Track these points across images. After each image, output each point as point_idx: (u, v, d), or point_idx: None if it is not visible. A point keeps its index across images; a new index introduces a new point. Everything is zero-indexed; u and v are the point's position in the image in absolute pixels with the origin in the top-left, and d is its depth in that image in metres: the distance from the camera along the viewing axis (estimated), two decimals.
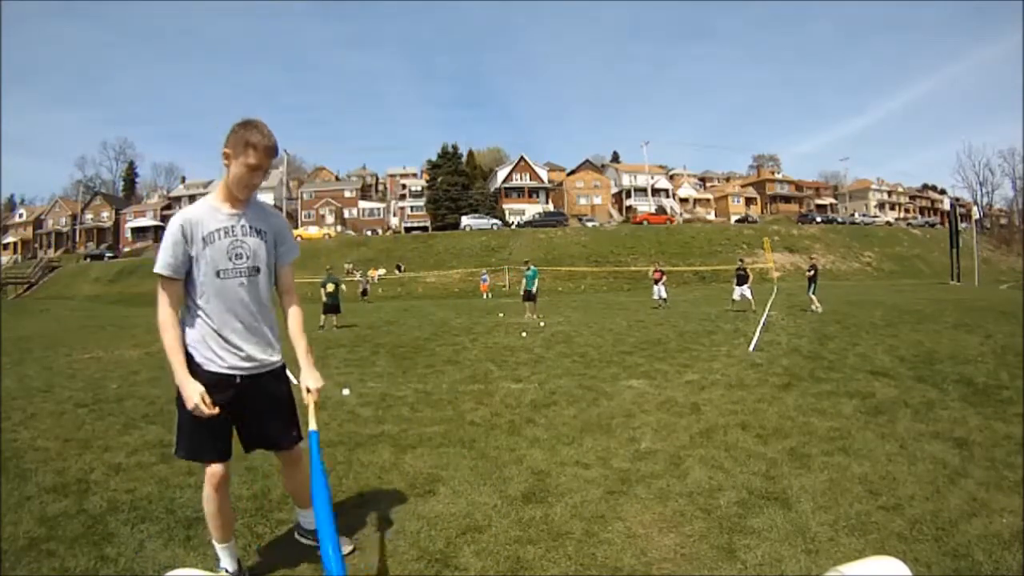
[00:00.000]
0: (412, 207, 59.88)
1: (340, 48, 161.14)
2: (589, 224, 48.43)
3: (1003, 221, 65.23)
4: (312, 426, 2.15)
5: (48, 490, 3.21)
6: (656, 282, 17.06)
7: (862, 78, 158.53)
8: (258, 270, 2.17)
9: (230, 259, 2.09)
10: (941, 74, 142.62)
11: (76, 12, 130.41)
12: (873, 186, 73.92)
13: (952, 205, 38.05)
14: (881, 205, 72.45)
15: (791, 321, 11.32)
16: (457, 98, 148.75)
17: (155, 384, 6.47)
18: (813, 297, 13.58)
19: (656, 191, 62.56)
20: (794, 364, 6.47)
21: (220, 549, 2.21)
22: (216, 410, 1.99)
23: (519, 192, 59.59)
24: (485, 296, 26.96)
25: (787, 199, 69.49)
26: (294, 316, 2.31)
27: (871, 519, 2.58)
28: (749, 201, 66.98)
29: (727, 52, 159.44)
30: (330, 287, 13.21)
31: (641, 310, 15.53)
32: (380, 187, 75.61)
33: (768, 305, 14.73)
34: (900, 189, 76.78)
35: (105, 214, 65.74)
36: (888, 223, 56.83)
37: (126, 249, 59.09)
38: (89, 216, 65.59)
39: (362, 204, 63.75)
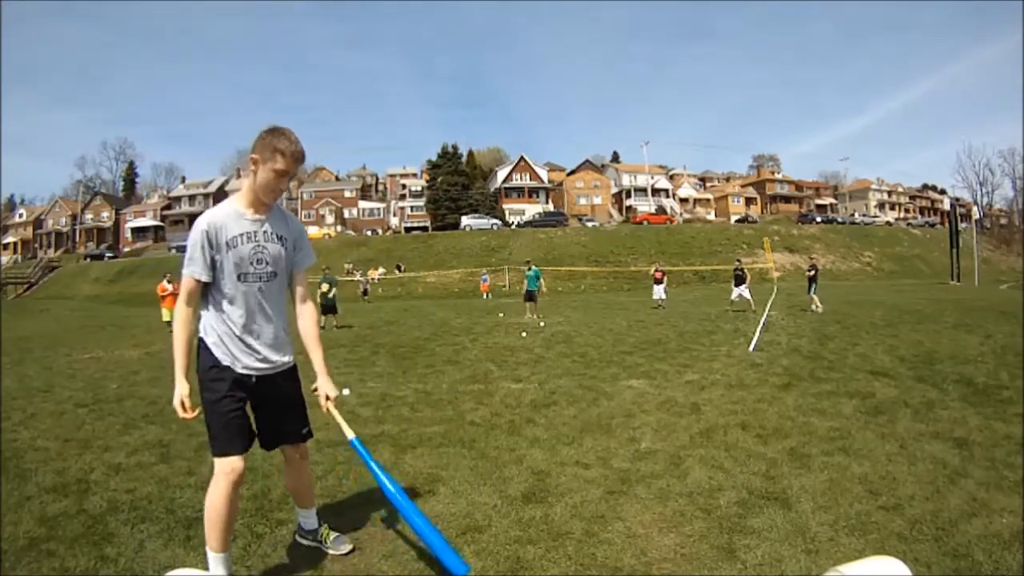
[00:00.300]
0: (412, 207, 59.90)
1: (340, 48, 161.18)
2: (589, 224, 48.44)
3: (1003, 221, 65.25)
4: (349, 434, 2.30)
5: (48, 490, 3.21)
6: (658, 282, 17.06)
7: (862, 78, 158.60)
8: (276, 275, 2.23)
9: (251, 264, 2.14)
10: (941, 74, 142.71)
11: (76, 12, 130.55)
12: (873, 186, 73.93)
13: (952, 205, 38.05)
14: (881, 205, 72.46)
15: (791, 321, 11.32)
16: (457, 98, 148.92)
17: (155, 384, 6.47)
18: (814, 297, 13.58)
19: (656, 191, 62.57)
20: (794, 364, 6.47)
21: (216, 559, 2.12)
22: (193, 413, 2.10)
23: (519, 192, 59.60)
24: (485, 296, 26.96)
25: (787, 199, 69.50)
26: (310, 322, 2.35)
27: (871, 519, 2.58)
28: (749, 201, 66.99)
29: (727, 52, 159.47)
30: (325, 287, 13.21)
31: (641, 310, 15.53)
32: (380, 187, 75.64)
33: (768, 305, 14.73)
34: (900, 189, 76.80)
35: (105, 214, 65.76)
36: (888, 223, 56.85)
37: (126, 249, 59.10)
38: (89, 216, 65.62)
39: (362, 204, 63.77)
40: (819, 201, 70.87)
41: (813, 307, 13.32)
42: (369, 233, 53.48)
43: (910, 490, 2.88)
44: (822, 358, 6.81)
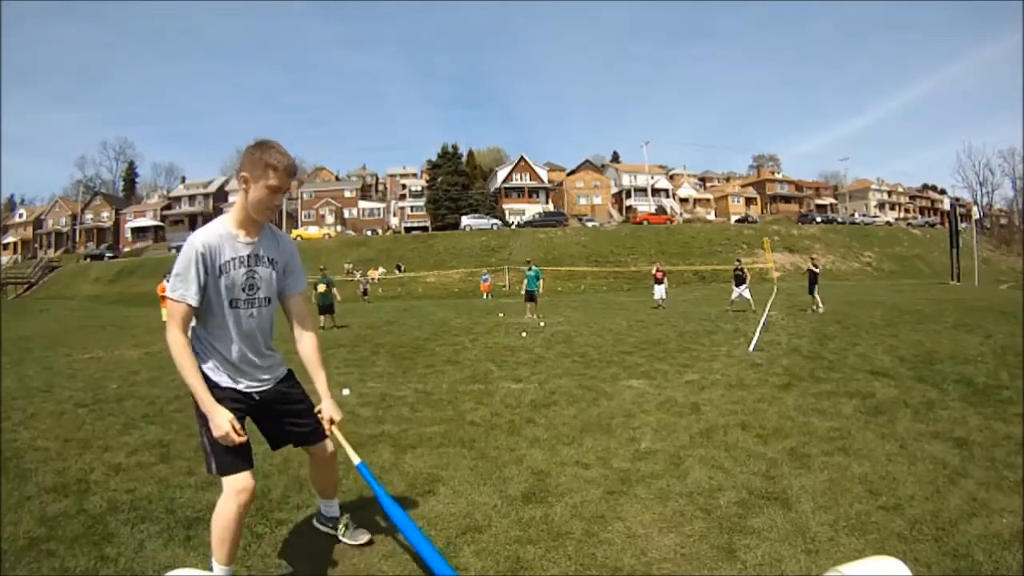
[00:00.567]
0: (412, 207, 59.89)
1: (340, 48, 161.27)
2: (589, 224, 48.43)
3: (1003, 221, 65.23)
4: (355, 459, 2.30)
5: (48, 490, 3.21)
6: (658, 282, 17.08)
7: (862, 78, 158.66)
8: (269, 300, 2.18)
9: (243, 290, 2.08)
10: (941, 74, 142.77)
11: (76, 12, 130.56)
12: (873, 186, 73.92)
13: (952, 205, 38.02)
14: (881, 205, 72.45)
15: (791, 321, 11.32)
16: (457, 98, 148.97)
17: (155, 384, 6.47)
18: (816, 297, 13.55)
19: (656, 191, 62.56)
20: (794, 364, 6.47)
21: (223, 570, 2.07)
22: (245, 437, 2.01)
23: (519, 192, 59.58)
24: (485, 296, 26.96)
25: (787, 199, 69.49)
26: (311, 347, 2.29)
27: (871, 519, 2.58)
28: (749, 201, 66.98)
29: (727, 52, 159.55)
30: (321, 288, 13.18)
31: (641, 310, 15.53)
32: (380, 187, 75.64)
33: (768, 305, 14.72)
34: (900, 189, 76.78)
35: (105, 214, 65.76)
36: (888, 223, 56.83)
37: (126, 249, 59.10)
38: (89, 216, 65.62)
39: (362, 204, 63.76)
40: (819, 201, 70.86)
41: (813, 307, 13.32)
42: (369, 233, 53.48)
43: (910, 490, 2.88)
44: (822, 358, 6.80)
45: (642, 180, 62.25)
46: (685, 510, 2.75)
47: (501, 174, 60.36)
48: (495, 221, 47.66)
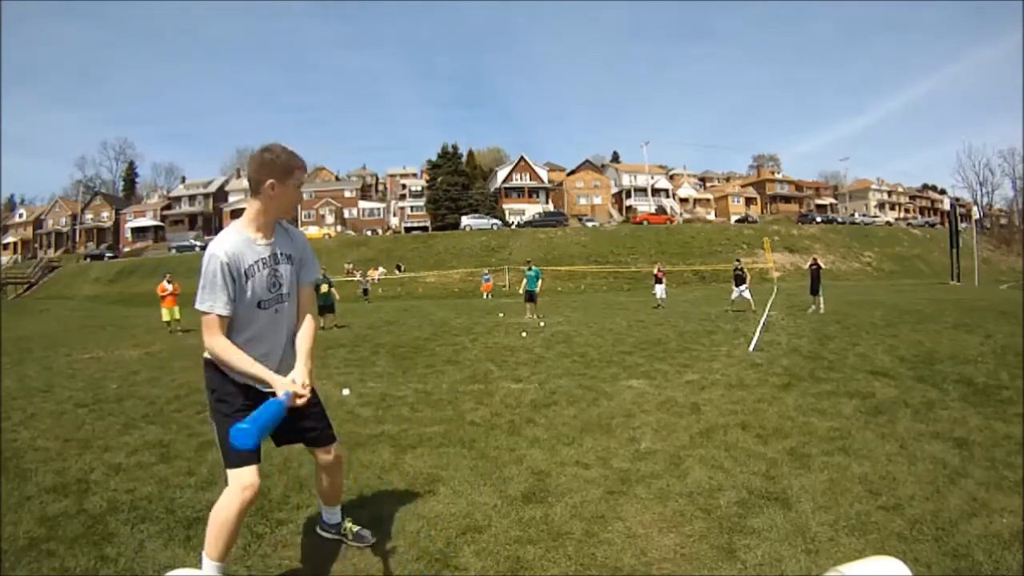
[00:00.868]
0: (412, 207, 59.87)
1: (340, 48, 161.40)
2: (589, 224, 48.43)
3: (1003, 221, 65.24)
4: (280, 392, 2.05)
5: (48, 490, 3.21)
6: (658, 281, 17.14)
7: (862, 78, 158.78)
8: (290, 295, 2.23)
9: (268, 289, 2.12)
10: (941, 74, 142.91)
11: (76, 12, 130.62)
12: (873, 186, 73.92)
13: (952, 205, 38.04)
14: (881, 205, 72.45)
15: (791, 321, 11.32)
16: (457, 98, 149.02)
17: (155, 384, 6.48)
18: (820, 297, 13.52)
19: (656, 191, 62.55)
20: (794, 364, 6.47)
21: (214, 567, 2.04)
22: (308, 391, 2.05)
23: (519, 192, 59.57)
24: (485, 296, 26.95)
25: (787, 199, 69.48)
26: (307, 334, 2.29)
27: (871, 519, 2.58)
28: (749, 201, 66.97)
29: (727, 52, 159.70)
30: (324, 288, 13.21)
31: (641, 310, 15.53)
32: (380, 187, 75.63)
33: (768, 305, 14.73)
34: (900, 189, 76.77)
35: (105, 214, 65.74)
36: (888, 223, 56.85)
37: (126, 249, 59.07)
38: (89, 216, 65.60)
39: (362, 204, 63.74)
40: (819, 201, 70.84)
41: (813, 307, 13.32)
42: (369, 233, 53.48)
43: (910, 490, 2.88)
44: (822, 358, 6.80)
45: (642, 180, 62.25)
46: (685, 510, 2.75)
47: (501, 174, 60.35)
48: (495, 221, 47.66)
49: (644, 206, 58.07)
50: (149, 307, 22.17)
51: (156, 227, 63.16)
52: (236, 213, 43.84)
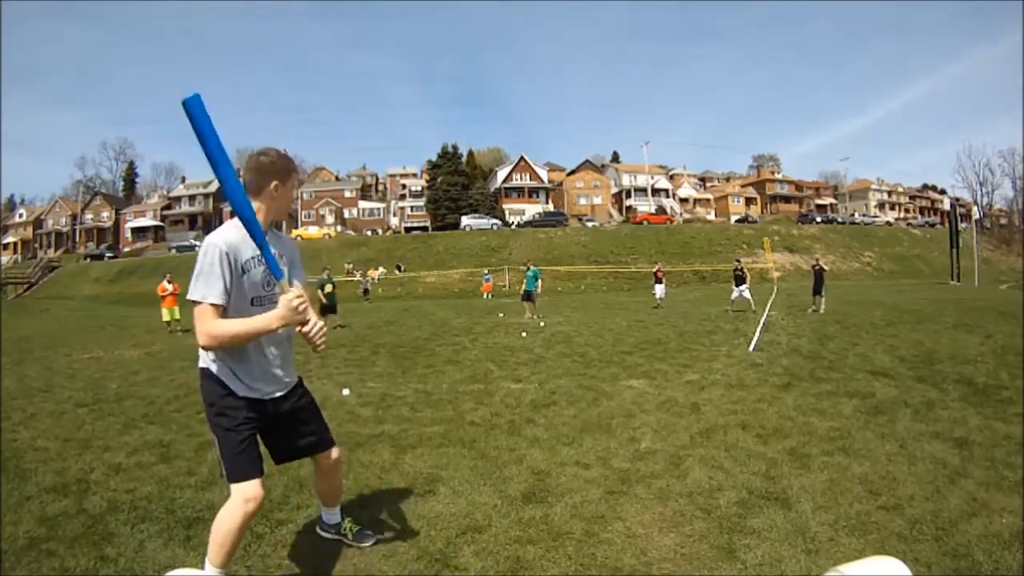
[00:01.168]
0: (412, 207, 59.87)
1: (340, 48, 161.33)
2: (589, 224, 48.43)
3: (1003, 221, 65.21)
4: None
5: (48, 490, 3.21)
6: (658, 281, 17.16)
7: (862, 78, 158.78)
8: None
9: (263, 287, 2.11)
10: (941, 74, 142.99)
11: (76, 12, 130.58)
12: (873, 186, 73.90)
13: (952, 205, 38.04)
14: (881, 205, 72.44)
15: (791, 321, 11.32)
16: (457, 98, 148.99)
17: (155, 384, 6.48)
18: (822, 298, 13.47)
19: (656, 191, 62.54)
20: (794, 364, 6.47)
21: (215, 571, 2.05)
22: (317, 321, 2.05)
23: (519, 192, 59.57)
24: (485, 296, 26.95)
25: (787, 199, 69.47)
26: None
27: (871, 519, 2.58)
28: (749, 201, 66.96)
29: (727, 52, 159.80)
30: (329, 288, 13.22)
31: (641, 310, 15.53)
32: (380, 187, 75.63)
33: (768, 305, 14.73)
34: (900, 189, 76.76)
35: (105, 214, 65.72)
36: (888, 223, 56.84)
37: (126, 249, 59.05)
38: (89, 216, 65.59)
39: (362, 204, 63.74)
40: (819, 201, 70.84)
41: (813, 307, 13.31)
42: (369, 233, 53.47)
43: (910, 490, 2.88)
44: (822, 358, 6.80)
45: (642, 180, 62.24)
46: (685, 510, 2.75)
47: (501, 174, 60.34)
48: (495, 221, 47.65)
49: (644, 206, 58.06)
50: (149, 307, 22.18)
51: (156, 227, 63.15)
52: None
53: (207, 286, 1.95)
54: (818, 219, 52.80)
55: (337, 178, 74.52)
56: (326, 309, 13.04)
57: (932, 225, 58.79)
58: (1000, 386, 5.08)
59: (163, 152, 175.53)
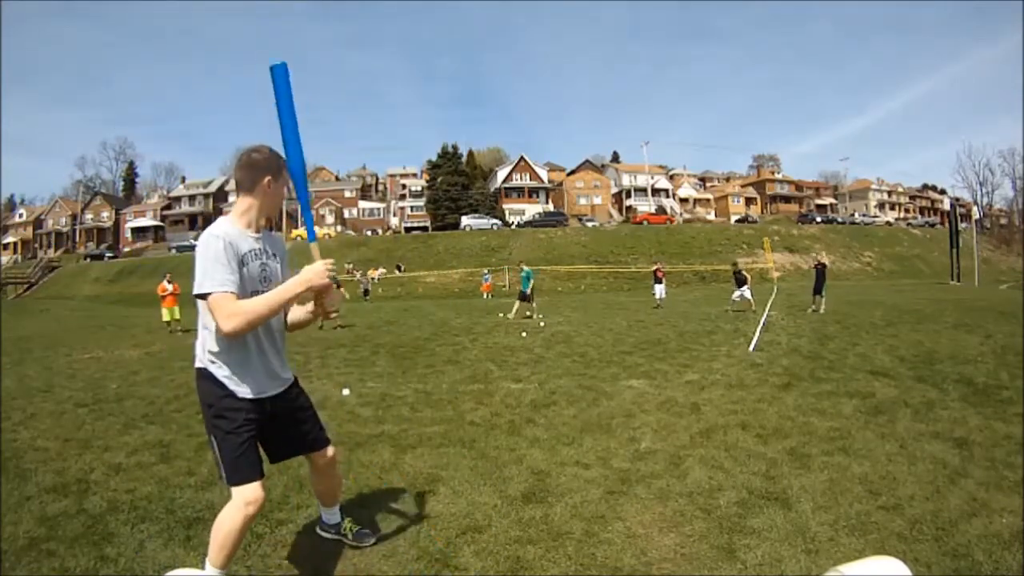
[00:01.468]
0: (412, 207, 59.88)
1: (340, 48, 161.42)
2: (589, 224, 48.42)
3: (1003, 221, 65.20)
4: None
5: (48, 490, 3.21)
6: (658, 281, 17.15)
7: (862, 78, 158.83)
8: None
9: (260, 281, 2.11)
10: (941, 74, 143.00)
11: (76, 12, 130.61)
12: (873, 186, 73.90)
13: (952, 205, 38.04)
14: (881, 205, 72.43)
15: (791, 321, 11.32)
16: (457, 98, 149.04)
17: (155, 384, 6.47)
18: (823, 298, 13.45)
19: (656, 191, 62.55)
20: (794, 364, 6.47)
21: (215, 572, 2.05)
22: (328, 279, 2.04)
23: (519, 192, 59.57)
24: (485, 296, 26.94)
25: (787, 199, 69.47)
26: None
27: (871, 519, 2.58)
28: (749, 201, 66.97)
29: (727, 52, 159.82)
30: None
31: (641, 310, 15.53)
32: (380, 187, 75.63)
33: (768, 305, 14.72)
34: (900, 189, 76.76)
35: (105, 214, 65.74)
36: (888, 223, 56.84)
37: (126, 249, 59.07)
38: (89, 216, 65.60)
39: (362, 204, 63.76)
40: (819, 201, 70.84)
41: (813, 307, 13.30)
42: (369, 233, 53.47)
43: (910, 490, 2.88)
44: (822, 358, 6.80)
45: (642, 180, 62.24)
46: (685, 510, 2.75)
47: (501, 174, 60.35)
48: (495, 221, 47.66)
49: (644, 206, 58.06)
50: (149, 307, 22.17)
51: (156, 227, 63.16)
52: None
53: (218, 276, 1.92)
54: (818, 219, 52.81)
55: (337, 178, 74.53)
56: None
57: (932, 225, 58.80)
58: (1000, 386, 5.08)
59: (163, 152, 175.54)
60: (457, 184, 53.18)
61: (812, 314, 12.59)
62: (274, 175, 2.11)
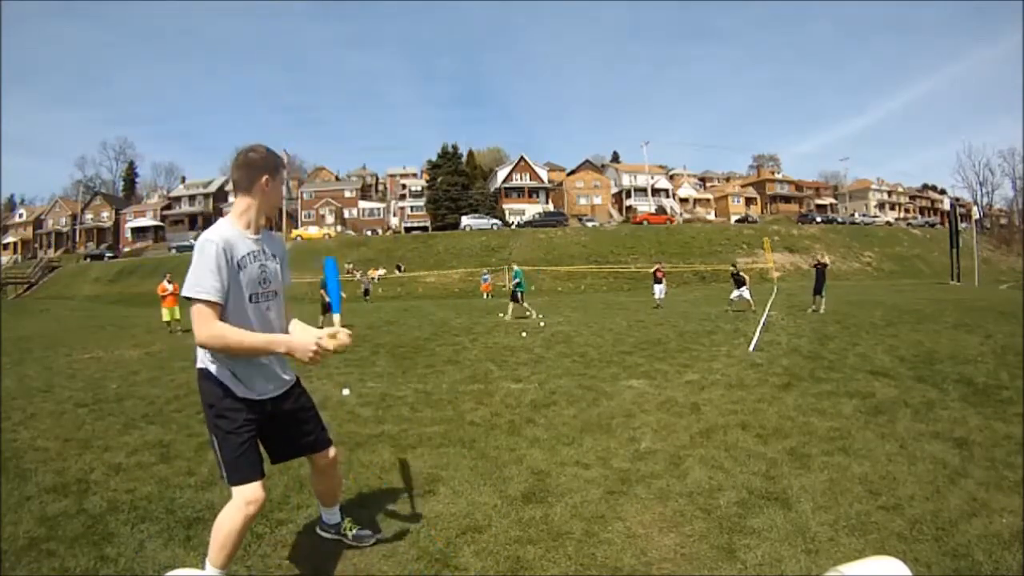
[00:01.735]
0: (412, 207, 59.86)
1: (340, 48, 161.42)
2: (589, 224, 48.42)
3: (1003, 221, 65.21)
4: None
5: (48, 490, 3.21)
6: (658, 281, 17.15)
7: (862, 78, 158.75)
8: (278, 293, 2.23)
9: (259, 284, 2.12)
10: (941, 74, 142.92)
11: (76, 12, 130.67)
12: (873, 186, 73.89)
13: (952, 205, 38.03)
14: (881, 205, 72.42)
15: (791, 321, 11.32)
16: (457, 98, 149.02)
17: (155, 384, 6.48)
18: (823, 297, 13.44)
19: (656, 191, 62.53)
20: (794, 364, 6.47)
21: (215, 572, 2.05)
22: (341, 337, 2.07)
23: (519, 192, 59.56)
24: (485, 296, 26.94)
25: (787, 199, 69.46)
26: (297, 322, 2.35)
27: (871, 519, 2.58)
28: (749, 201, 66.95)
29: (727, 52, 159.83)
30: None
31: (641, 310, 15.52)
32: (380, 187, 75.61)
33: (768, 305, 14.73)
34: (900, 189, 76.74)
35: (105, 214, 65.73)
36: (888, 223, 56.82)
37: (126, 249, 59.06)
38: (89, 216, 65.59)
39: (362, 204, 63.72)
40: (819, 201, 70.82)
41: (813, 307, 13.30)
42: (369, 233, 53.44)
43: (910, 490, 2.88)
44: (822, 358, 6.80)
45: (642, 180, 62.23)
46: (685, 510, 2.75)
47: (501, 174, 60.33)
48: (495, 221, 47.65)
49: (644, 206, 58.05)
50: (149, 307, 22.17)
51: (156, 227, 63.15)
52: None
53: (204, 282, 1.94)
54: (818, 219, 52.80)
55: (337, 178, 74.50)
56: (327, 308, 13.02)
57: (932, 225, 58.79)
58: (1000, 386, 5.08)
59: (163, 152, 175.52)
60: (457, 184, 53.18)
61: (812, 314, 12.59)
62: (271, 174, 2.11)
